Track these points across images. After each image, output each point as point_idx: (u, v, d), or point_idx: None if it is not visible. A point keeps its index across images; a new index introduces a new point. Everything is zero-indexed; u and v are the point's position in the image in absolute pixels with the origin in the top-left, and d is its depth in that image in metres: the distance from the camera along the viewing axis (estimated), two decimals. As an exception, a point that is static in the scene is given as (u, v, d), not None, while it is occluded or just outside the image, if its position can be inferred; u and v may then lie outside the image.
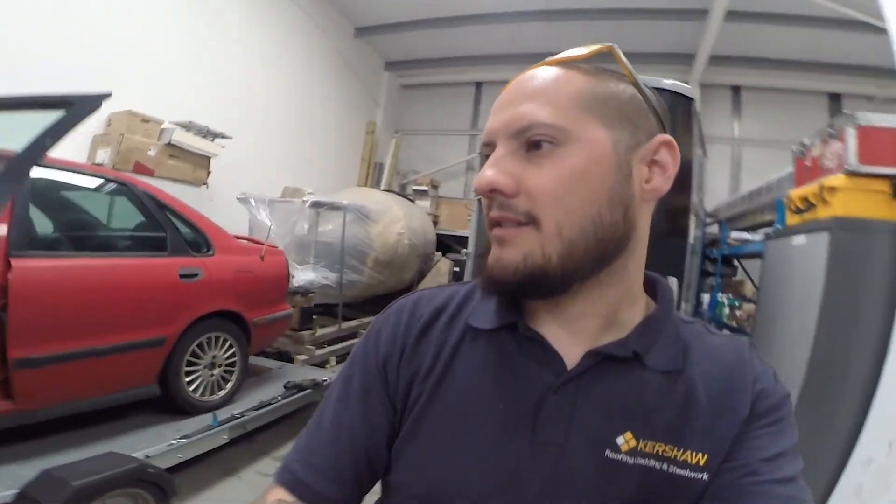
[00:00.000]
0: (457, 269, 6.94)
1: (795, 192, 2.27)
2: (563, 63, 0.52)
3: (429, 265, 6.87)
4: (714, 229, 5.37)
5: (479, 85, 8.82)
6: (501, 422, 0.54)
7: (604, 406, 0.52)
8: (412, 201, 7.20)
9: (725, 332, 0.55)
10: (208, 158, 4.89)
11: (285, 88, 6.49)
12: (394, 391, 0.60)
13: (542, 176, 0.48)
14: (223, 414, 2.59)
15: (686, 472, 0.50)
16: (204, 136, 4.86)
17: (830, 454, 1.84)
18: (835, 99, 6.89)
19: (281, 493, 0.57)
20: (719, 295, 5.24)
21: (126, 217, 2.56)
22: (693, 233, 2.96)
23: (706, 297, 5.40)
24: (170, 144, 4.47)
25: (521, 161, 0.49)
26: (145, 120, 4.39)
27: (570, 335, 0.55)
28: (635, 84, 0.51)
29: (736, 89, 7.47)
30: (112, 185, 2.43)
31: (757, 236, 4.43)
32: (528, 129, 0.48)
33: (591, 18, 6.40)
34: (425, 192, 7.85)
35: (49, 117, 1.22)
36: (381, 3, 7.06)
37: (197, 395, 2.58)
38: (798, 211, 2.22)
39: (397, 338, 0.61)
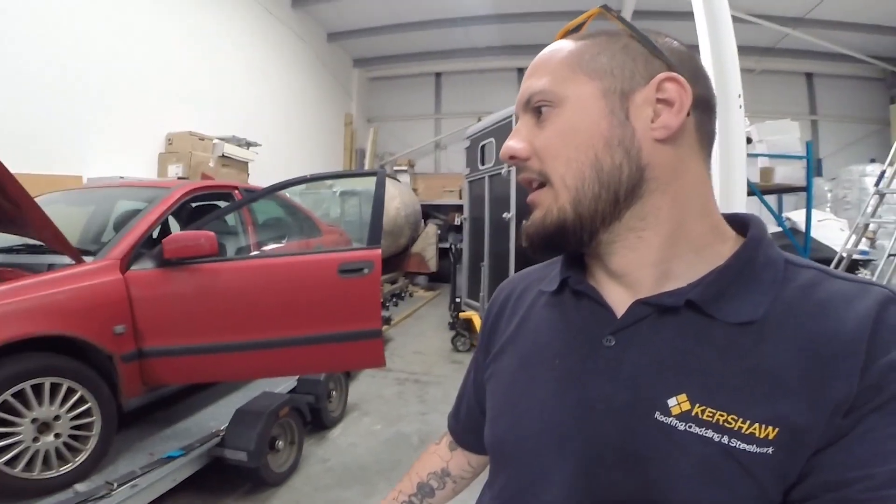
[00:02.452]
0: (439, 231, 8.65)
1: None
2: (566, 34, 0.56)
3: (418, 231, 8.50)
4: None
5: (438, 75, 10.25)
6: (557, 378, 0.55)
7: (657, 362, 0.48)
8: (398, 180, 8.73)
9: (862, 276, 0.58)
10: (247, 163, 6.25)
11: (281, 95, 7.69)
12: (486, 355, 0.69)
13: (543, 136, 0.52)
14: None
15: (752, 448, 0.42)
16: (242, 146, 6.21)
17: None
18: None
19: (448, 437, 0.81)
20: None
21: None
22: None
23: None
24: (222, 156, 5.81)
25: (533, 128, 0.54)
26: (201, 138, 5.69)
27: (625, 289, 0.54)
28: (631, 35, 0.52)
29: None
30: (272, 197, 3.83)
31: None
32: (530, 99, 0.53)
33: (530, 21, 8.01)
34: (405, 170, 9.41)
35: (368, 180, 2.62)
36: (351, 12, 8.28)
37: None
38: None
39: (492, 312, 0.71)
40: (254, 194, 2.80)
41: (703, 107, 0.52)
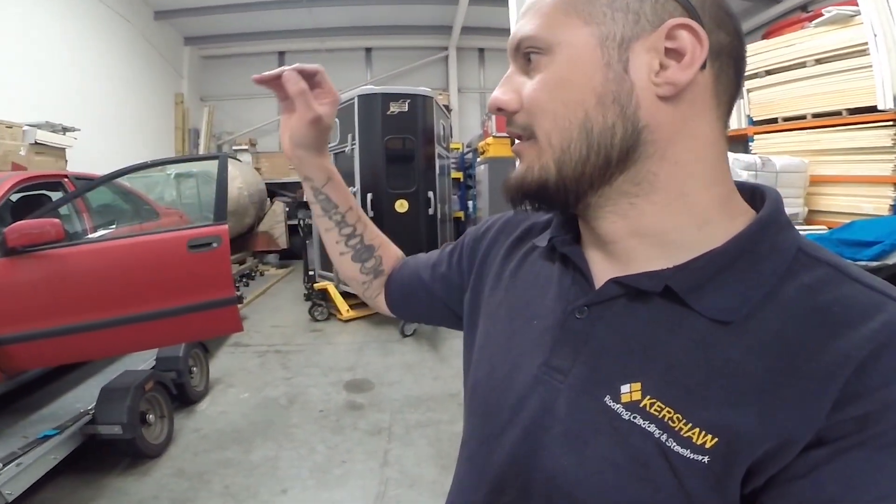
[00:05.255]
0: (287, 209, 8.72)
1: (480, 144, 4.78)
2: None
3: (264, 209, 8.49)
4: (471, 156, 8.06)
5: (282, 54, 9.94)
6: (531, 339, 0.53)
7: (623, 344, 0.45)
8: (238, 160, 8.54)
9: (885, 284, 0.39)
10: (64, 150, 5.78)
11: (101, 76, 7.03)
12: (468, 269, 0.70)
13: (530, 87, 0.46)
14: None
15: (685, 452, 0.40)
16: (57, 132, 5.70)
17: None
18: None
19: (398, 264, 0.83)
20: (476, 200, 7.94)
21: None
22: (438, 165, 5.32)
23: (471, 203, 8.13)
24: (35, 143, 5.32)
25: (522, 76, 0.48)
26: (9, 126, 5.15)
27: (611, 259, 0.50)
28: None
29: (482, 51, 10.29)
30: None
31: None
32: (519, 44, 0.48)
33: (378, 3, 8.31)
34: (245, 150, 9.21)
35: (212, 163, 2.82)
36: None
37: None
38: (482, 153, 4.73)
39: (491, 230, 0.71)
40: (91, 182, 2.84)
41: (726, 57, 0.44)
